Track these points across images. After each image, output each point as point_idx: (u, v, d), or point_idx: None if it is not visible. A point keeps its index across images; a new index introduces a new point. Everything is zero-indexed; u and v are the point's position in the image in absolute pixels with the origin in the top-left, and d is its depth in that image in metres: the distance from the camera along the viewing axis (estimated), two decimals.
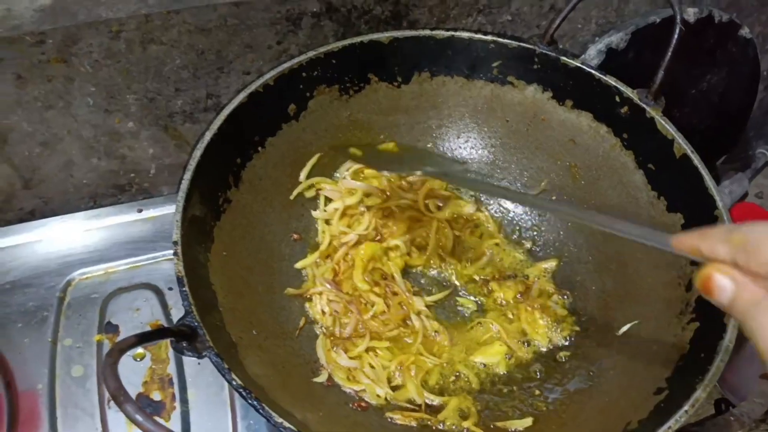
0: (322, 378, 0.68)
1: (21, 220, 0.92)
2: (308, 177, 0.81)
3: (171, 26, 0.78)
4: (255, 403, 0.52)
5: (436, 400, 0.69)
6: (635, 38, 1.02)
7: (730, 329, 0.57)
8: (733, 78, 1.19)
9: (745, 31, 1.12)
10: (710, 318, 0.60)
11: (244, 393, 0.52)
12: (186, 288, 0.57)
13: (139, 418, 0.40)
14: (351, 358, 0.70)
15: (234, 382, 0.52)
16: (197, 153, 0.67)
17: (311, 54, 0.77)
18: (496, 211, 0.87)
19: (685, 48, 1.06)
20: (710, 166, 1.35)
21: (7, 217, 0.92)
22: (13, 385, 0.75)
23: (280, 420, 0.51)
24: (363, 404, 0.67)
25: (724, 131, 1.29)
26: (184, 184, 0.65)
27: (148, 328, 0.80)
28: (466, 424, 0.66)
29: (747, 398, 0.87)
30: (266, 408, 0.51)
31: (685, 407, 0.53)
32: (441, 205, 0.85)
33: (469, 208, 0.86)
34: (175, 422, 0.73)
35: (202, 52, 0.82)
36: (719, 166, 1.38)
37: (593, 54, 1.02)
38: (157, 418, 0.72)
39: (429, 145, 0.89)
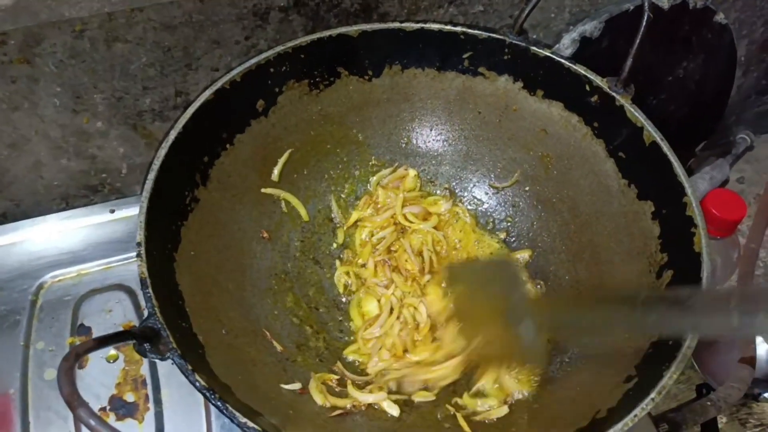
0: (294, 386, 0.67)
1: None
2: (280, 173, 0.81)
3: (135, 24, 0.77)
4: (219, 403, 0.51)
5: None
6: (609, 26, 1.01)
7: None
8: (709, 64, 1.18)
9: (720, 17, 1.12)
10: None
11: (207, 394, 0.52)
12: (149, 290, 0.57)
13: (92, 422, 0.39)
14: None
15: (197, 384, 0.52)
16: (162, 152, 0.66)
17: (279, 49, 0.76)
18: (469, 203, 0.87)
19: (659, 35, 1.06)
20: (689, 152, 1.35)
21: None
22: None
23: (243, 420, 0.51)
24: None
25: (702, 118, 1.29)
26: (148, 185, 0.64)
27: (120, 329, 0.79)
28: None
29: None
30: (230, 408, 0.51)
31: (652, 395, 0.53)
32: (417, 212, 0.85)
33: (444, 205, 0.86)
34: (148, 423, 0.73)
35: (168, 49, 0.81)
36: (699, 153, 1.38)
37: (567, 43, 1.01)
38: (122, 421, 0.72)
39: (403, 140, 0.88)
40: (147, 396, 0.75)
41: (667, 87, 1.16)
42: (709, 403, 0.82)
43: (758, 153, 1.43)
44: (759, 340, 1.03)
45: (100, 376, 0.76)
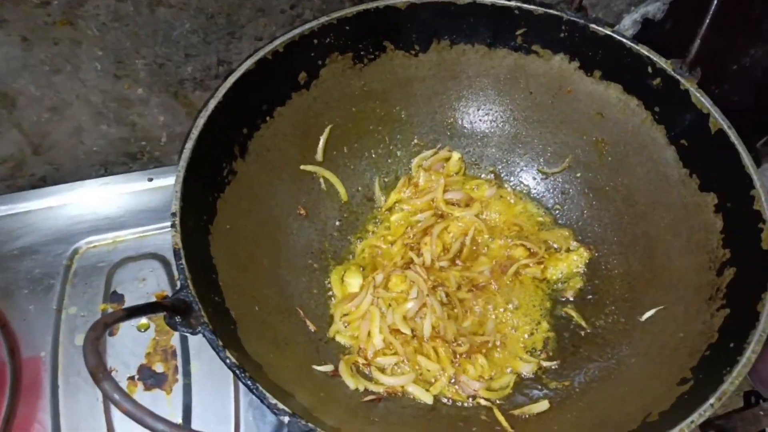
0: (326, 368, 0.65)
1: (33, 187, 0.91)
2: (324, 151, 0.78)
3: None
4: (249, 382, 0.49)
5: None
6: (674, 8, 0.95)
7: (764, 317, 0.53)
8: None
9: None
10: (742, 305, 0.56)
11: (237, 372, 0.50)
12: (183, 261, 0.55)
13: (116, 396, 0.38)
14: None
15: (228, 360, 0.50)
16: (200, 122, 0.64)
17: (323, 20, 0.73)
18: (516, 188, 0.83)
19: (726, 18, 0.99)
20: (750, 147, 1.27)
21: (19, 183, 0.91)
22: (17, 352, 0.74)
23: (274, 401, 0.49)
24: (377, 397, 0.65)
25: (767, 110, 1.21)
26: (185, 154, 0.62)
27: (153, 299, 0.78)
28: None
29: None
30: (260, 388, 0.49)
31: (711, 400, 0.49)
32: (459, 198, 0.81)
33: (488, 191, 0.82)
34: (176, 395, 0.72)
35: (212, 15, 0.78)
36: (760, 148, 1.30)
37: (628, 24, 0.96)
38: (150, 391, 0.72)
39: (448, 120, 0.84)
40: (176, 367, 0.74)
41: (731, 76, 1.09)
42: (762, 412, 0.77)
43: None
44: None
45: (131, 345, 0.75)
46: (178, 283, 0.79)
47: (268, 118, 0.73)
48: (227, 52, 0.83)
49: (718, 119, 0.66)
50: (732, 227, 0.63)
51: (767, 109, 1.20)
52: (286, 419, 0.48)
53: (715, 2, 0.68)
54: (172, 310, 0.51)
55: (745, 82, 1.12)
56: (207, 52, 0.82)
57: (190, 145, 0.63)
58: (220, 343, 0.51)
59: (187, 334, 0.51)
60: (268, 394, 0.49)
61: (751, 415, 0.78)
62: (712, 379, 0.51)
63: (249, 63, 0.69)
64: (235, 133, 0.69)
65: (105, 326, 0.43)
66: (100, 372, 0.39)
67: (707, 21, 0.67)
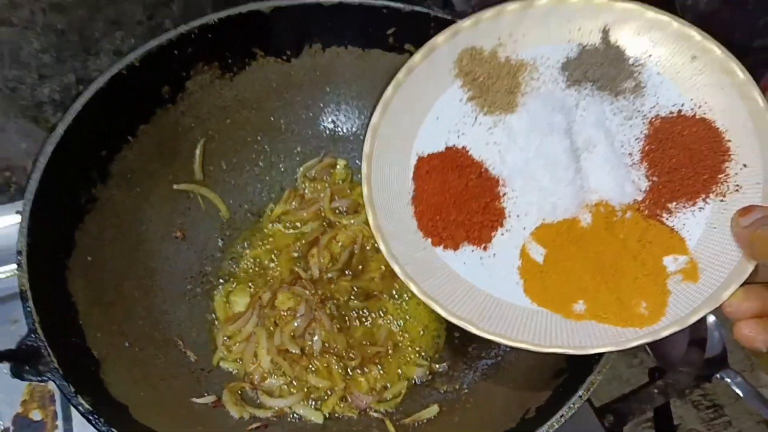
0: (207, 400, 0.62)
1: None
2: (201, 168, 0.75)
3: (20, 5, 0.69)
4: (104, 428, 0.46)
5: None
6: None
7: None
8: None
9: None
10: None
11: (91, 418, 0.46)
12: (30, 303, 0.51)
13: None
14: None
15: (80, 407, 0.47)
16: (48, 149, 0.60)
17: (182, 29, 0.69)
18: None
19: None
20: None
21: None
22: None
23: None
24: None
25: None
26: (32, 186, 0.58)
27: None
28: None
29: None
30: None
31: (579, 392, 0.49)
32: (346, 205, 0.79)
33: None
34: None
35: (62, 32, 0.73)
36: None
37: None
38: None
39: (329, 126, 0.82)
40: (55, 413, 0.69)
41: None
42: (656, 390, 0.80)
43: None
44: (710, 319, 1.01)
45: (4, 394, 0.70)
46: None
47: (130, 138, 0.68)
48: (86, 70, 0.78)
49: None
50: None
51: None
52: None
53: None
54: (15, 359, 0.47)
55: None
56: (63, 71, 0.77)
57: (36, 175, 0.59)
58: (72, 389, 0.47)
59: (36, 382, 0.47)
60: None
61: (646, 395, 0.80)
62: (584, 368, 0.52)
63: (102, 80, 0.65)
64: (92, 156, 0.65)
65: None
66: None
67: None
